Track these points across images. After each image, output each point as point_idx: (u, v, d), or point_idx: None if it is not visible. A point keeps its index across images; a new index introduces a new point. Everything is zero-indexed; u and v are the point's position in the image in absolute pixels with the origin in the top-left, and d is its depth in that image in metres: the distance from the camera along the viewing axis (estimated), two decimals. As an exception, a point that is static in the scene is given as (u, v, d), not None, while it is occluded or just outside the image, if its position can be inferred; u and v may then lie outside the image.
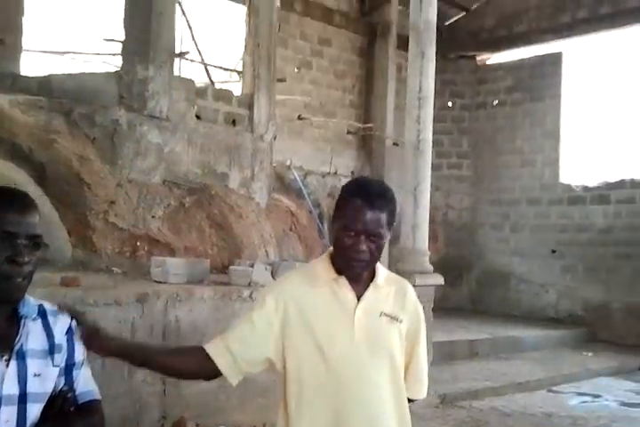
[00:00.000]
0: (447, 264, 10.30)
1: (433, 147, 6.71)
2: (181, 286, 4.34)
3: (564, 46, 11.02)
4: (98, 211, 5.41)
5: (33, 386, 1.64)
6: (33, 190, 4.73)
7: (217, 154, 6.78)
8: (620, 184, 10.12)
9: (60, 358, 1.71)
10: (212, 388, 3.85)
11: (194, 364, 1.85)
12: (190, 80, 6.72)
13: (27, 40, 6.81)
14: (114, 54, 7.01)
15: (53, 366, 1.69)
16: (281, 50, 8.97)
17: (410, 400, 1.91)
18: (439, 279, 6.21)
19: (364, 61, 10.77)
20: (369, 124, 10.51)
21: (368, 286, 1.86)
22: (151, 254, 5.36)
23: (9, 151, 5.26)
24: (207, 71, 7.87)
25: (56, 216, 5.11)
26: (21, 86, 6.08)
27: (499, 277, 10.99)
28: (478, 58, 11.83)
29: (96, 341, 1.76)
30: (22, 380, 1.62)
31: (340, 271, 1.85)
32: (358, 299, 1.84)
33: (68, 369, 1.73)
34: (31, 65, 7.18)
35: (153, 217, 5.91)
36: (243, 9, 8.41)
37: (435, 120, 6.77)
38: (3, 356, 1.62)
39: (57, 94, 5.91)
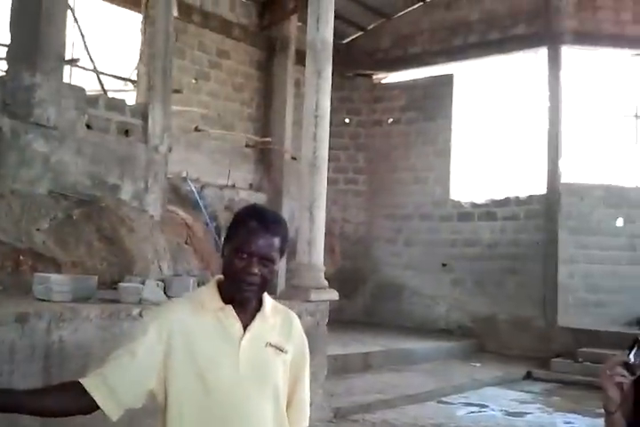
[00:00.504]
0: (343, 277, 10.45)
1: (330, 162, 6.79)
2: (66, 305, 4.12)
3: (456, 68, 11.54)
4: (-24, 223, 5.08)
5: None
6: None
7: (108, 165, 6.55)
8: (506, 202, 10.68)
9: None
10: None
11: (70, 400, 1.73)
12: (81, 88, 6.47)
13: None
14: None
15: None
16: (178, 60, 8.83)
17: None
18: (334, 295, 6.25)
19: (263, 75, 10.78)
20: (267, 138, 10.51)
21: (255, 315, 1.82)
22: (35, 270, 5.08)
23: None
24: (99, 80, 7.60)
25: None
26: None
27: (392, 289, 11.25)
28: (375, 77, 12.17)
29: None
30: None
31: (227, 300, 1.80)
32: (245, 329, 1.80)
33: None
34: None
35: (38, 230, 5.61)
36: (139, 17, 8.22)
37: (332, 136, 6.86)
38: None
39: None
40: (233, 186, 9.89)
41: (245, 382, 1.76)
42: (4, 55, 6.13)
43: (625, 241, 10.11)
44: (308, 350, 1.96)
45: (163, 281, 5.03)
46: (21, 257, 5.35)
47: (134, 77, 8.03)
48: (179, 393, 1.74)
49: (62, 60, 6.31)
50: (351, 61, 11.60)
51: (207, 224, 8.53)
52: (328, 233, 6.91)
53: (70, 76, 7.67)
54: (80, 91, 6.36)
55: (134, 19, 8.77)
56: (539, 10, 10.55)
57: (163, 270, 6.21)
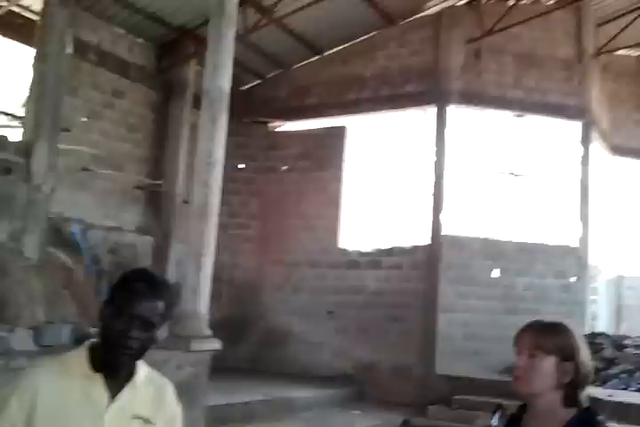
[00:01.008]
0: (230, 323, 10.35)
1: (223, 206, 6.82)
2: None
3: (349, 121, 11.98)
4: None
5: None
6: None
7: (-17, 204, 6.27)
8: (391, 251, 11.04)
9: None
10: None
11: None
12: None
13: None
14: None
15: None
16: (70, 98, 8.65)
17: None
18: (216, 344, 6.20)
19: (158, 117, 10.72)
20: (158, 181, 10.39)
21: (125, 385, 1.78)
22: None
23: None
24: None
25: None
26: None
27: (279, 336, 11.24)
28: (271, 124, 12.39)
29: None
30: None
31: (98, 367, 1.75)
32: (113, 398, 1.74)
33: None
34: None
35: None
36: (31, 51, 8.03)
37: (226, 180, 6.92)
38: None
39: None
40: (119, 228, 9.65)
41: None
42: None
43: (501, 291, 10.68)
44: (180, 420, 1.92)
45: (34, 329, 4.83)
46: None
47: (22, 113, 7.79)
48: None
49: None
50: (249, 108, 11.78)
51: (88, 268, 8.24)
52: (216, 278, 6.87)
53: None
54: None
55: (25, 53, 8.56)
56: (428, 70, 11.19)
57: (36, 317, 5.94)
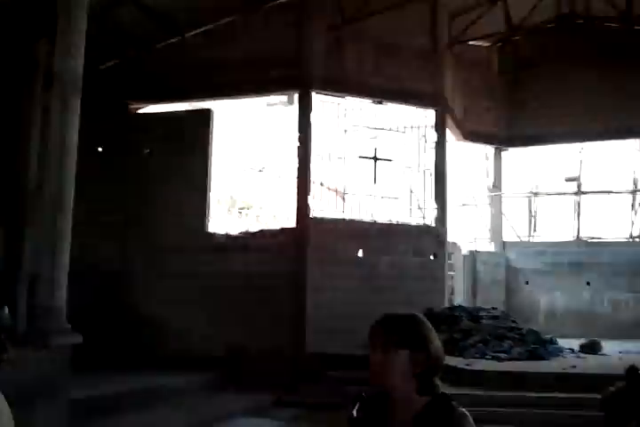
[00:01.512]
0: (94, 313, 9.98)
1: (81, 192, 6.53)
2: None
3: (215, 104, 11.81)
4: None
5: None
6: None
7: None
8: (260, 234, 11.09)
9: None
10: None
11: None
12: None
13: None
14: None
15: None
16: None
17: None
18: (76, 338, 5.95)
19: (6, 100, 9.98)
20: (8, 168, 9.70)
21: None
22: None
23: None
24: None
25: None
26: None
27: (148, 324, 10.94)
28: (132, 106, 11.96)
29: None
30: None
31: None
32: None
33: None
34: None
35: None
36: None
37: (83, 165, 6.62)
38: None
39: None
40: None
41: None
42: None
43: (366, 270, 11.07)
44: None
45: None
46: None
47: None
48: None
49: None
50: (107, 89, 11.28)
51: None
52: (77, 269, 6.57)
53: None
54: None
55: None
56: (291, 55, 11.26)
57: None
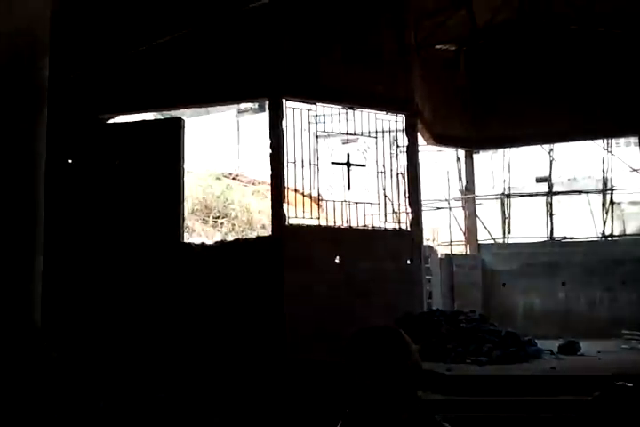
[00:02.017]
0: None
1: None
2: None
3: (186, 113, 11.70)
4: None
5: None
6: None
7: None
8: (236, 242, 10.96)
9: None
10: None
11: None
12: None
13: None
14: None
15: None
16: None
17: None
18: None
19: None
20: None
21: None
22: None
23: None
24: None
25: None
26: None
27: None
28: (101, 116, 11.77)
29: None
30: None
31: None
32: None
33: None
34: None
35: None
36: None
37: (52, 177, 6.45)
38: None
39: None
40: None
41: None
42: None
43: (343, 276, 10.99)
44: None
45: None
46: None
47: None
48: None
49: None
50: (76, 99, 11.09)
51: None
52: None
53: None
54: None
55: None
56: (263, 63, 11.13)
57: None
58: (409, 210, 12.01)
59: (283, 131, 11.00)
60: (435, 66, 14.66)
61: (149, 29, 11.23)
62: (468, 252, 15.41)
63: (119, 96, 11.57)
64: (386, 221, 11.94)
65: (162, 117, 11.92)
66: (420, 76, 13.39)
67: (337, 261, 11.13)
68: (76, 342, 9.52)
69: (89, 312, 10.56)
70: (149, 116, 11.76)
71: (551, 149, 16.05)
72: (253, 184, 15.61)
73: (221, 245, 11.06)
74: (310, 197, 12.25)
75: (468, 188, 15.95)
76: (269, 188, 11.10)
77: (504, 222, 15.95)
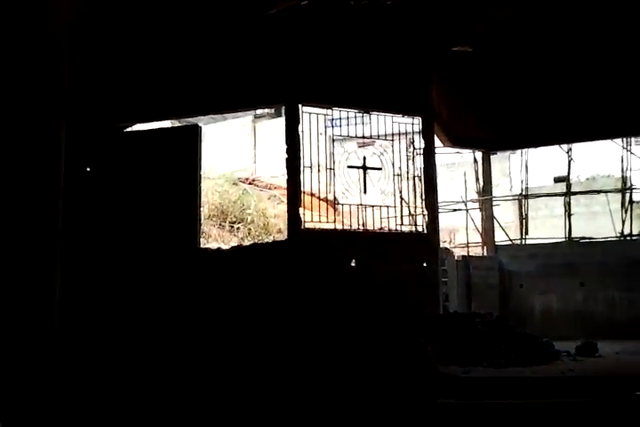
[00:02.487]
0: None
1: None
2: None
3: (203, 119, 11.82)
4: None
5: None
6: None
7: None
8: (252, 247, 11.06)
9: None
10: None
11: None
12: None
13: None
14: None
15: None
16: None
17: None
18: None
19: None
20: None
21: None
22: None
23: None
24: None
25: None
26: None
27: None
28: (119, 125, 11.95)
29: None
30: None
31: None
32: None
33: None
34: None
35: None
36: None
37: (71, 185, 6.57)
38: None
39: None
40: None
41: None
42: None
43: (360, 280, 11.04)
44: None
45: None
46: None
47: None
48: None
49: None
50: (94, 108, 11.27)
51: None
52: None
53: None
54: None
55: None
56: (279, 68, 11.25)
57: None
58: (425, 212, 12.03)
59: (299, 135, 11.10)
60: (451, 67, 14.62)
61: (166, 38, 11.39)
62: (485, 253, 15.36)
63: (137, 104, 11.76)
64: (402, 224, 11.98)
65: (179, 124, 12.04)
66: (437, 78, 13.39)
67: (352, 264, 11.19)
68: (93, 348, 9.69)
69: (106, 318, 10.73)
70: (167, 123, 11.90)
71: (569, 149, 15.91)
72: (269, 189, 15.75)
73: (238, 249, 11.18)
74: (326, 200, 12.33)
75: (485, 189, 15.90)
76: (285, 192, 11.19)
77: (521, 223, 15.86)
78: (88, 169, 11.43)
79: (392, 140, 12.15)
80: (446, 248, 13.87)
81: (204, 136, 11.68)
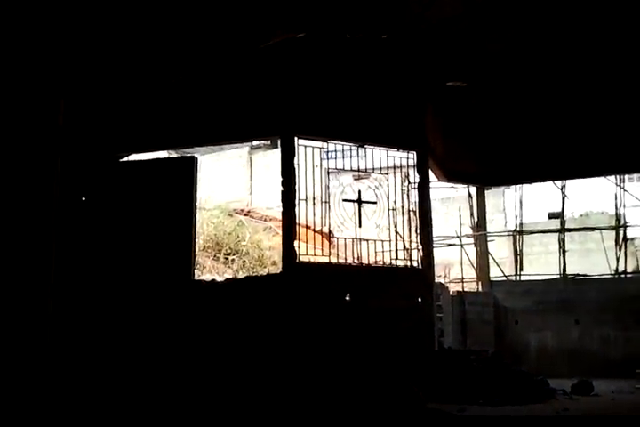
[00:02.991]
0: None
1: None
2: None
3: (199, 150, 11.83)
4: None
5: None
6: None
7: None
8: (247, 280, 10.97)
9: None
10: None
11: None
12: None
13: None
14: None
15: None
16: None
17: None
18: None
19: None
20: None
21: None
22: None
23: None
24: None
25: None
26: None
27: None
28: (115, 155, 11.97)
29: None
30: None
31: None
32: None
33: None
34: None
35: None
36: None
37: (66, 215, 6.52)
38: None
39: None
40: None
41: None
42: None
43: (354, 315, 10.95)
44: None
45: None
46: None
47: None
48: None
49: None
50: (90, 138, 11.29)
51: None
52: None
53: None
54: None
55: None
56: (275, 101, 11.35)
57: None
58: (420, 247, 12.00)
59: (294, 168, 11.12)
60: (446, 102, 14.77)
61: (164, 69, 11.48)
62: (480, 289, 15.30)
63: (134, 135, 11.79)
64: (397, 259, 11.93)
65: (176, 155, 12.07)
66: (431, 112, 13.52)
67: (347, 298, 11.10)
68: (87, 383, 9.52)
69: (99, 350, 10.57)
70: (164, 154, 11.93)
71: (563, 186, 16.02)
72: (265, 220, 15.73)
73: (232, 282, 11.09)
74: (321, 233, 12.31)
75: (480, 224, 15.92)
76: (280, 224, 11.16)
77: (516, 259, 15.85)
78: (83, 199, 11.38)
79: (387, 174, 12.19)
80: (441, 283, 13.81)
81: (201, 166, 11.67)
